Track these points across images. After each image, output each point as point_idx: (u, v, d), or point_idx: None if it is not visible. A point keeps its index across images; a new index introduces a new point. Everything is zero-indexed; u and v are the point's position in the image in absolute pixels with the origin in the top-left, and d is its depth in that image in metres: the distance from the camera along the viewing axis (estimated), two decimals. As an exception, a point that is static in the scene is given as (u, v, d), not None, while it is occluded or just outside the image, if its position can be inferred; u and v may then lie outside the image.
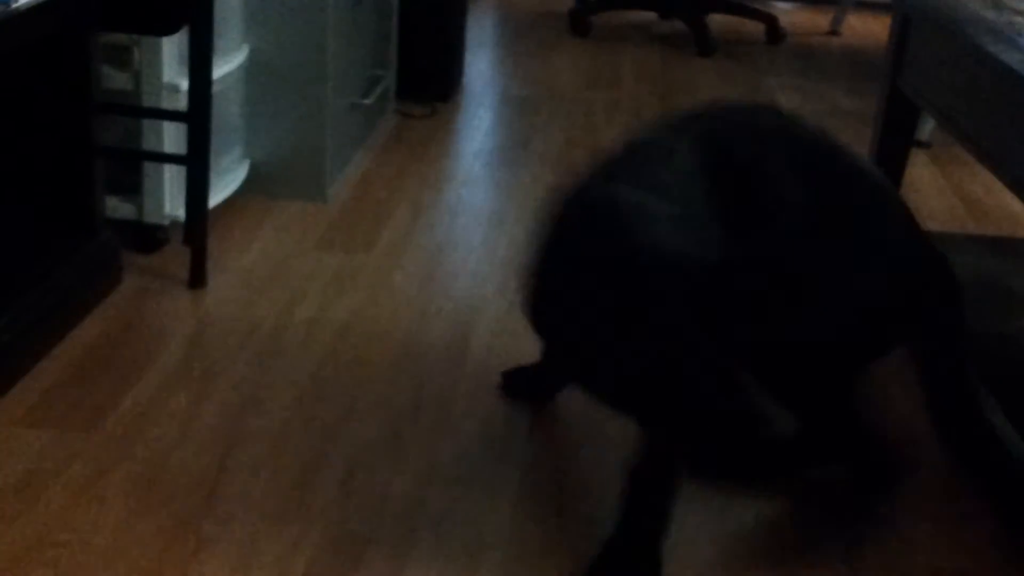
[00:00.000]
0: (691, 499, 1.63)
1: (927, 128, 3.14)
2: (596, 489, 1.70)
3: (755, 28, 4.42)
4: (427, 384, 1.93)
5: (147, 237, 2.27)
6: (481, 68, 3.76)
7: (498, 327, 2.12)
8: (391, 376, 1.94)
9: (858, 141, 3.11)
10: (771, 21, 4.32)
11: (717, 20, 4.33)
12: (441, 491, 1.67)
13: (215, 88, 2.17)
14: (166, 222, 2.27)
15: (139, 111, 2.19)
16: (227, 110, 2.43)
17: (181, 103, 2.15)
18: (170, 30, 2.07)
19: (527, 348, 2.05)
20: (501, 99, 3.44)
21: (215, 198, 2.32)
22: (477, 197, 2.70)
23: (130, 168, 2.25)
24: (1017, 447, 1.66)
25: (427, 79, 3.28)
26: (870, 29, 4.59)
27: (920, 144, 3.12)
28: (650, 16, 4.50)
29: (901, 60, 2.25)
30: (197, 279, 2.17)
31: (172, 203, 2.26)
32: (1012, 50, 1.73)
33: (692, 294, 1.36)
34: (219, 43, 2.26)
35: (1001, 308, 2.06)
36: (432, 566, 1.52)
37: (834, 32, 4.54)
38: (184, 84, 2.13)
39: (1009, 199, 2.86)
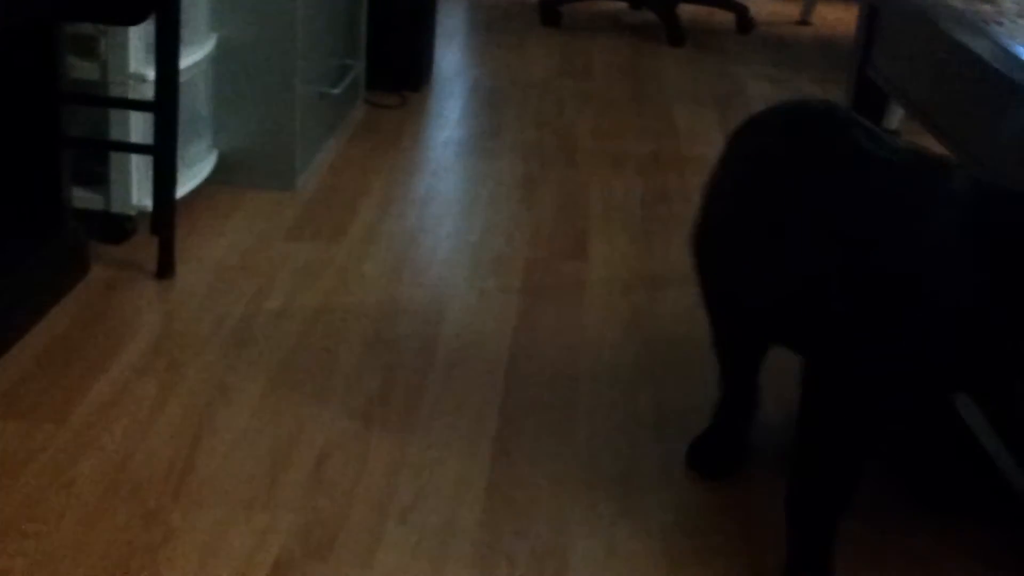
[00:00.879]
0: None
1: (896, 116, 3.16)
2: (569, 476, 1.70)
3: (725, 18, 4.42)
4: (398, 373, 1.93)
5: (114, 227, 2.26)
6: (451, 58, 3.75)
7: (469, 316, 2.12)
8: (361, 365, 1.94)
9: (827, 130, 3.12)
10: (741, 11, 4.33)
11: (687, 10, 4.34)
12: (411, 479, 1.67)
13: (183, 78, 2.15)
14: (133, 212, 2.26)
15: (106, 101, 2.18)
16: (195, 100, 2.42)
17: (148, 93, 2.13)
18: (136, 20, 2.06)
19: (498, 337, 2.05)
20: (471, 89, 3.44)
21: (183, 188, 2.31)
22: (447, 186, 2.70)
23: (97, 158, 2.24)
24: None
25: (397, 69, 3.27)
26: (839, 18, 4.60)
27: (889, 132, 3.12)
28: (621, 6, 4.50)
29: (870, 49, 2.26)
30: (165, 269, 2.16)
31: (139, 193, 2.25)
32: (979, 38, 1.74)
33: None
34: (186, 32, 2.25)
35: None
36: (402, 555, 1.52)
37: (804, 21, 4.55)
38: (151, 74, 2.12)
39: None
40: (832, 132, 1.54)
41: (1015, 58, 1.62)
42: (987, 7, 1.92)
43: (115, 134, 2.21)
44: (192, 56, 2.33)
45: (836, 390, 1.43)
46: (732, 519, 1.64)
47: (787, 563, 1.51)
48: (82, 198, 2.22)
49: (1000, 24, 1.79)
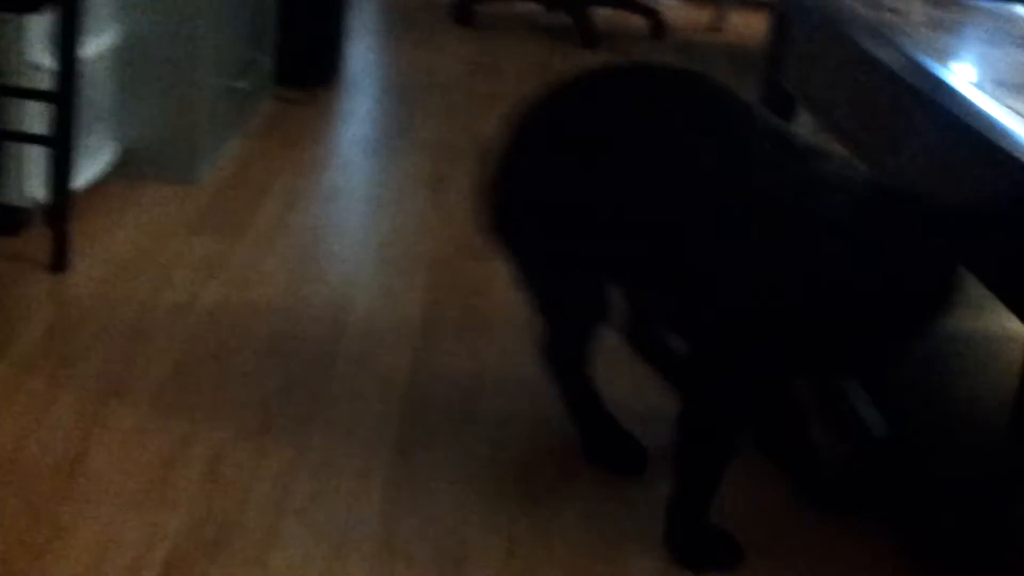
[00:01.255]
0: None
1: (805, 125, 3.18)
2: (470, 476, 1.68)
3: (639, 23, 4.44)
4: (298, 371, 1.90)
5: (8, 218, 2.20)
6: (362, 55, 3.72)
7: (373, 315, 2.10)
8: (261, 362, 1.90)
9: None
10: (655, 16, 4.35)
11: (602, 14, 4.35)
12: (309, 478, 1.64)
13: (83, 68, 2.11)
14: (28, 204, 2.20)
15: (1, 90, 2.12)
16: (96, 91, 2.36)
17: (46, 82, 2.08)
18: (34, 7, 2.00)
19: (402, 336, 2.03)
20: (382, 86, 3.41)
21: (82, 180, 2.26)
22: (354, 183, 2.67)
23: (-8, 147, 2.18)
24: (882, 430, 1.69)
25: (306, 64, 3.24)
26: (751, 25, 4.64)
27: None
28: (535, 7, 4.50)
29: (779, 56, 2.28)
30: (59, 262, 2.11)
31: (35, 184, 2.19)
32: (887, 48, 1.75)
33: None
34: (88, 22, 2.20)
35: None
36: (298, 554, 1.49)
37: (716, 28, 4.59)
38: (50, 63, 2.07)
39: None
40: (720, 116, 1.54)
41: (920, 68, 1.64)
42: (893, 17, 1.94)
43: (10, 124, 2.15)
44: (94, 46, 2.28)
45: (713, 372, 1.51)
46: (635, 516, 1.63)
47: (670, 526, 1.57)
48: (-25, 188, 2.16)
49: (906, 34, 1.81)
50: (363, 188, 2.66)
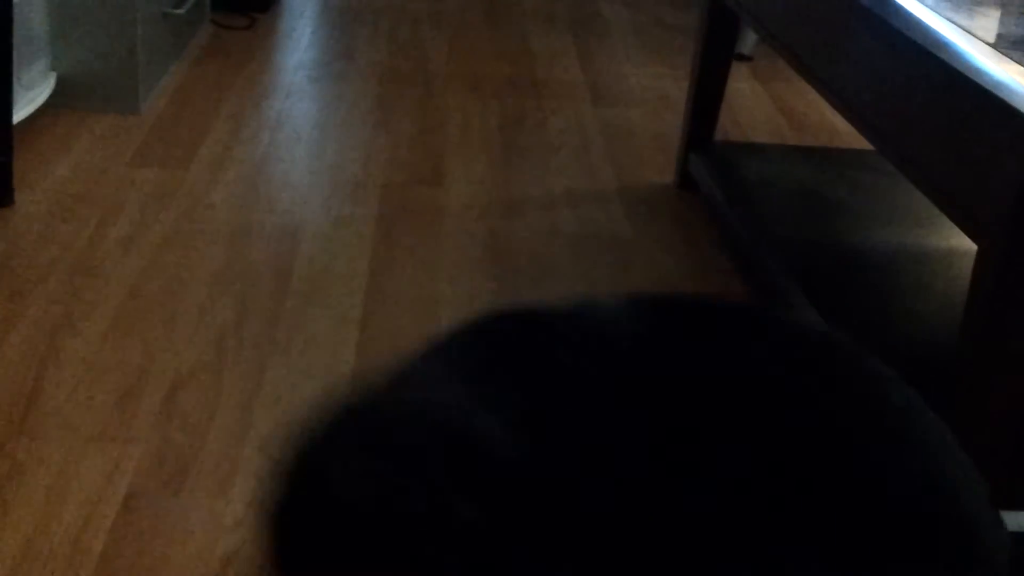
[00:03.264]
0: None
1: (749, 42, 3.18)
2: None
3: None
4: (251, 302, 1.88)
5: (-53, 153, 2.15)
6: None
7: (324, 243, 2.08)
8: (213, 294, 1.88)
9: (682, 54, 3.13)
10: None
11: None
12: (268, 409, 1.63)
13: (16, -6, 2.05)
14: (-33, 137, 2.15)
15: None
16: (30, 20, 2.30)
17: (-21, 10, 2.02)
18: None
19: (354, 263, 2.02)
20: (321, 10, 3.35)
21: (19, 113, 2.20)
22: (299, 110, 2.63)
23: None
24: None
25: (244, -10, 3.17)
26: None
27: (742, 57, 3.15)
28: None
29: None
30: (3, 196, 2.06)
31: (-27, 117, 2.14)
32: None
33: None
34: (19, -54, 2.14)
35: (815, 215, 2.11)
36: (259, 484, 1.48)
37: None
38: (-18, -11, 2.01)
39: (829, 113, 2.91)
40: None
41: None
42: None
43: (-55, 54, 2.09)
44: (26, -28, 2.21)
45: None
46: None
47: None
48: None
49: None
50: (308, 114, 2.62)
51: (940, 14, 1.50)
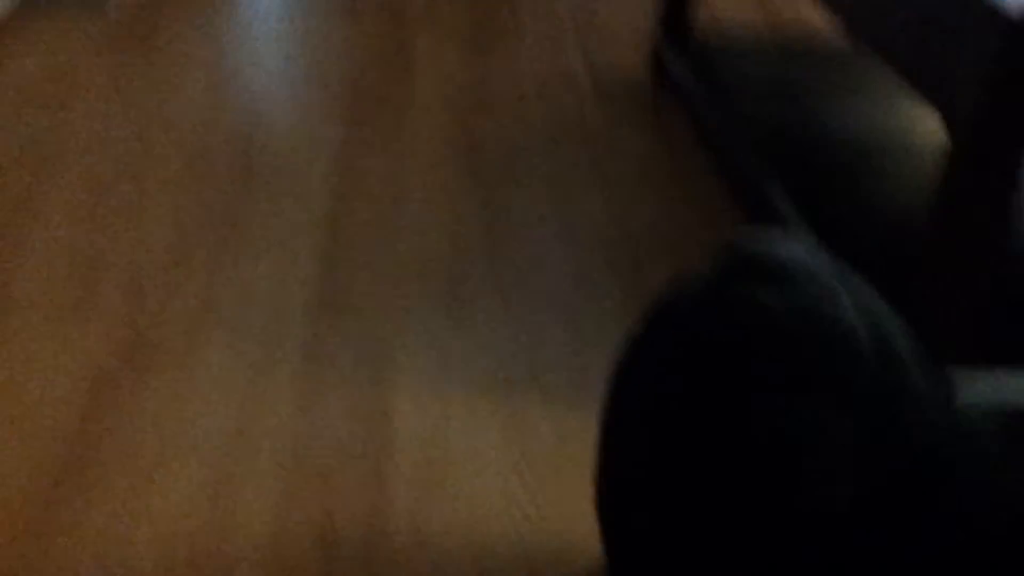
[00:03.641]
0: None
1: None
2: (395, 282, 1.68)
3: None
4: (217, 194, 1.87)
5: (-91, 47, 2.13)
6: None
7: (290, 136, 2.06)
8: (179, 186, 1.87)
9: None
10: None
11: None
12: (235, 291, 1.63)
13: None
14: (-71, 31, 2.13)
15: None
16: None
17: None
18: None
19: (322, 155, 2.00)
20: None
21: (-17, 5, 2.18)
22: (265, 6, 2.60)
23: None
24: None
25: None
26: None
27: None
28: None
29: None
30: (-34, 89, 2.05)
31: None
32: None
33: None
34: None
35: (784, 97, 2.10)
36: (226, 361, 1.48)
37: None
38: None
39: (808, 11, 2.89)
40: None
41: None
42: None
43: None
44: None
45: None
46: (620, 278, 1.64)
47: None
48: None
49: None
50: (275, 8, 2.59)
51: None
